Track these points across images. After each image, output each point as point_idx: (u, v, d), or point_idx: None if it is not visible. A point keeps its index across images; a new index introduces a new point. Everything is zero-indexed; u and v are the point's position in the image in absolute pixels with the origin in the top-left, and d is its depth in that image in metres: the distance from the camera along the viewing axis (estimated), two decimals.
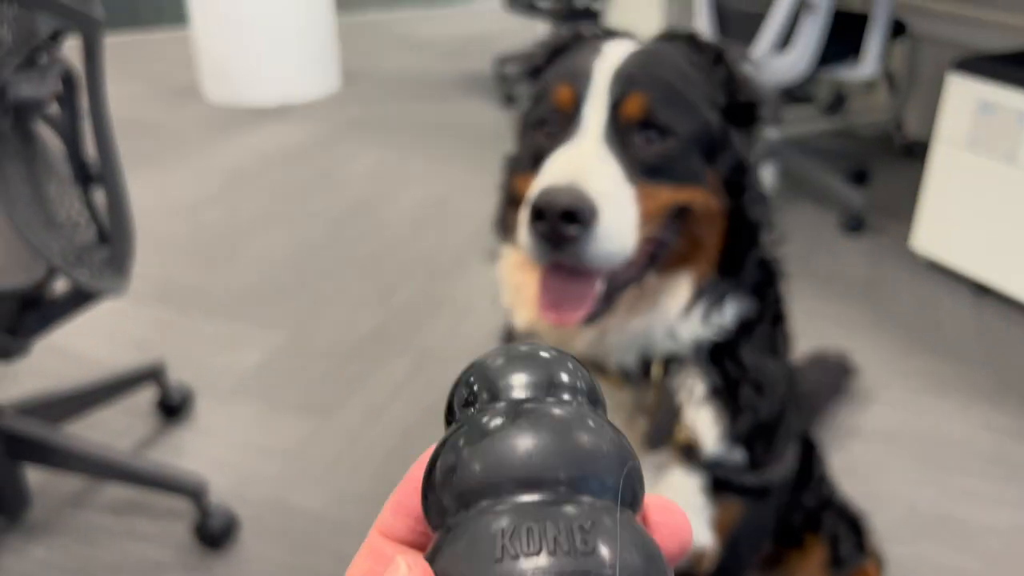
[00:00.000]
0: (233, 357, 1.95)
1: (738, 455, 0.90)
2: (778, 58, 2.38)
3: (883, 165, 3.01)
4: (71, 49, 1.17)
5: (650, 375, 0.88)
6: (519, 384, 0.26)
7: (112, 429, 1.69)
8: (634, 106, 0.81)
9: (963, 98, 2.07)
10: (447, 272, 2.34)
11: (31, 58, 1.15)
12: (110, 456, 1.47)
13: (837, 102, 3.36)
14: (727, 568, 0.99)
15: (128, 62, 4.48)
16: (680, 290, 0.86)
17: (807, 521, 1.17)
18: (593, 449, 0.24)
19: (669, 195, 0.82)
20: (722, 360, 0.89)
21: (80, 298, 1.27)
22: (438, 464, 0.25)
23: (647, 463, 0.89)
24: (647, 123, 0.81)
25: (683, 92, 0.83)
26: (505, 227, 0.95)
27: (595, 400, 0.27)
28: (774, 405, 0.92)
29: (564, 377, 0.26)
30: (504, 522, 0.22)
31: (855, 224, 2.53)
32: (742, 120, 0.87)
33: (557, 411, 0.25)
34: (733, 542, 0.96)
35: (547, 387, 0.26)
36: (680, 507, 0.26)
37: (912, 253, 2.36)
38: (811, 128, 3.26)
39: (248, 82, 3.75)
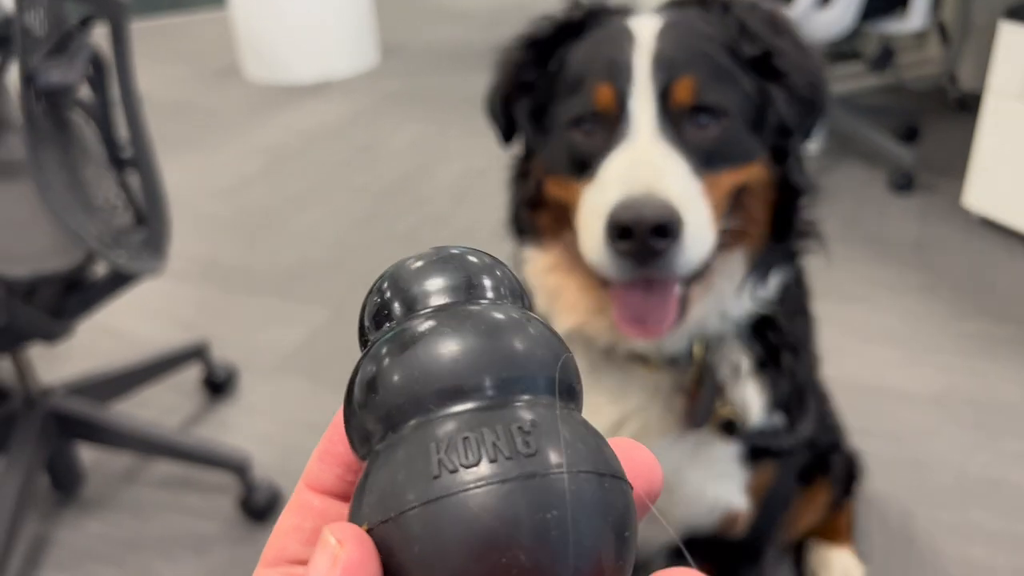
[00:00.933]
0: (276, 334, 1.98)
1: (778, 419, 0.89)
2: (820, 13, 2.30)
3: (935, 120, 2.91)
4: (101, 36, 1.18)
5: (690, 355, 0.85)
6: (435, 289, 0.24)
7: (160, 407, 1.74)
8: (684, 92, 0.75)
9: (1016, 47, 1.98)
10: (487, 245, 2.32)
11: (60, 45, 1.17)
12: (157, 433, 1.51)
13: (885, 56, 3.24)
14: (759, 528, 0.98)
15: (170, 44, 4.54)
16: (734, 269, 0.82)
17: (817, 462, 1.17)
18: (522, 346, 0.22)
19: (730, 179, 0.77)
20: (763, 330, 0.86)
21: (119, 279, 1.30)
22: (356, 384, 0.23)
23: (687, 441, 0.87)
24: (698, 107, 0.76)
25: (721, 63, 0.77)
26: (527, 229, 0.89)
27: (519, 300, 0.25)
28: (808, 365, 0.90)
29: (486, 279, 0.24)
30: (436, 435, 0.21)
31: (905, 183, 2.45)
32: (770, 72, 0.80)
33: (478, 310, 0.23)
34: (765, 502, 0.95)
35: (466, 290, 0.24)
36: (644, 446, 0.25)
37: (965, 211, 2.28)
38: (859, 85, 3.16)
39: (287, 60, 3.77)
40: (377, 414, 0.22)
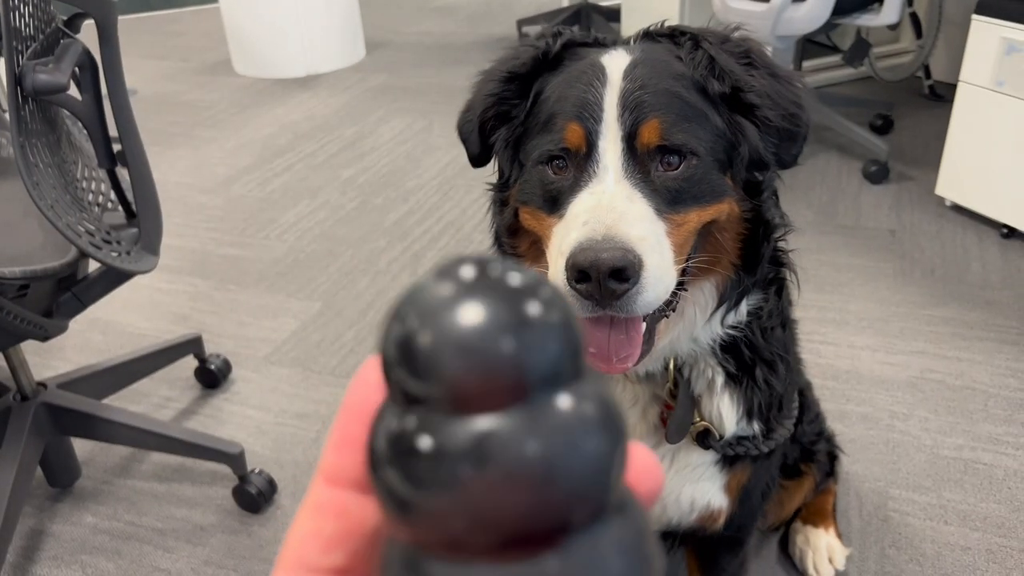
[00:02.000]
0: (269, 327, 2.00)
1: (755, 427, 0.92)
2: (795, 8, 2.34)
3: (909, 111, 2.96)
4: (89, 30, 1.20)
5: (666, 370, 0.89)
6: (474, 326, 0.18)
7: (153, 399, 1.76)
8: (650, 133, 0.76)
9: (987, 39, 2.03)
10: (473, 236, 2.36)
11: (48, 45, 1.18)
12: (151, 427, 1.53)
13: (861, 49, 3.29)
14: (740, 521, 1.01)
15: (162, 39, 4.54)
16: (703, 298, 0.84)
17: (803, 453, 1.23)
18: (586, 486, 0.19)
19: (696, 218, 0.78)
20: (737, 347, 0.89)
21: (112, 277, 1.32)
22: (390, 461, 0.19)
23: (663, 451, 0.91)
24: (664, 147, 0.76)
25: (689, 101, 0.78)
26: (509, 254, 0.91)
27: (576, 351, 0.19)
28: (787, 377, 0.93)
29: (531, 309, 0.19)
30: None
31: (880, 173, 2.50)
32: (742, 107, 0.80)
33: (542, 427, 0.18)
34: (744, 497, 0.98)
35: (512, 331, 0.18)
36: (646, 447, 0.24)
37: (938, 199, 2.33)
38: (834, 76, 3.21)
39: (275, 54, 3.80)
40: (419, 523, 0.19)
